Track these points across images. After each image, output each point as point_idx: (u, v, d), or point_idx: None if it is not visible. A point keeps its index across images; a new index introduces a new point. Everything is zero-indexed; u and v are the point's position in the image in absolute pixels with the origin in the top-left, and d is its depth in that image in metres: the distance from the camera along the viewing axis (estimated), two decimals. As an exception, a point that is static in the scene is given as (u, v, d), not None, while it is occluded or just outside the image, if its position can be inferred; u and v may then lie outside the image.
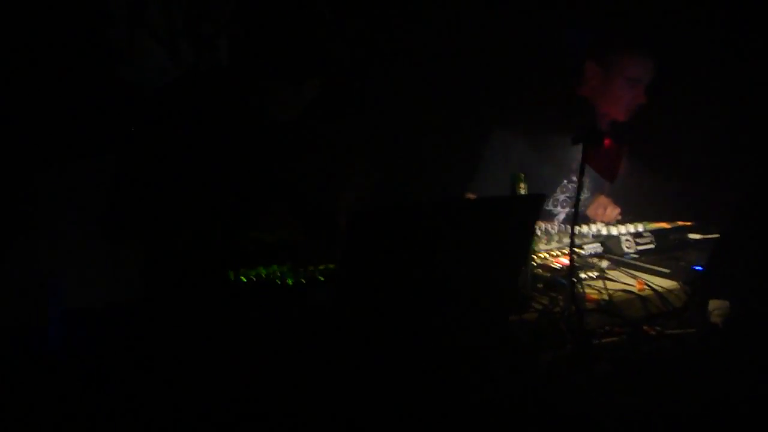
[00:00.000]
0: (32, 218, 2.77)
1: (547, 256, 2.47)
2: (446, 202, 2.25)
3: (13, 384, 1.76)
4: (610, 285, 2.33)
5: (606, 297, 2.23)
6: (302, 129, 2.63)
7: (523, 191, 2.19)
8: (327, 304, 1.87)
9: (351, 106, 2.81)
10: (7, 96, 2.84)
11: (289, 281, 2.03)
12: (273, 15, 2.50)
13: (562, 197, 3.16)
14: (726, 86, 3.34)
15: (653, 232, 2.71)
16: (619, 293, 2.26)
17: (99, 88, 3.03)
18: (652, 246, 2.66)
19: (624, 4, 3.46)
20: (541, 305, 2.13)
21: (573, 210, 3.12)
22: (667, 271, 2.42)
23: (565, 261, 2.37)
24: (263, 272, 2.08)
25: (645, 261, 2.54)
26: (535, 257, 2.42)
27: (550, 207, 3.14)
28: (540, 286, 2.25)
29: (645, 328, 2.02)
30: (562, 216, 3.16)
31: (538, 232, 2.66)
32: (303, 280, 2.05)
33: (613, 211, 3.10)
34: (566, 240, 2.53)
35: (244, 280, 2.05)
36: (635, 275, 2.43)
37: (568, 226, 2.64)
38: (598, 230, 2.72)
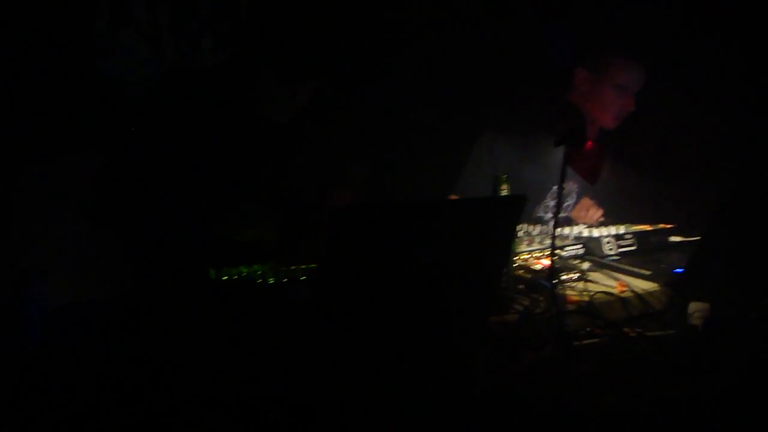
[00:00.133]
0: (12, 215, 2.75)
1: (529, 257, 2.48)
2: (427, 201, 2.25)
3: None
4: (591, 287, 2.35)
5: (587, 299, 2.24)
6: (295, 129, 2.62)
7: (505, 192, 2.19)
8: (307, 302, 1.87)
9: (344, 106, 2.81)
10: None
11: (271, 280, 2.03)
12: (268, 15, 2.50)
13: (552, 203, 3.17)
14: (708, 91, 3.36)
15: (635, 234, 2.73)
16: (600, 295, 2.27)
17: (82, 85, 3.02)
18: (633, 248, 2.68)
19: (613, 11, 3.49)
20: (522, 306, 2.13)
21: (562, 216, 3.15)
22: (647, 273, 2.44)
23: (547, 263, 2.38)
24: (244, 271, 2.08)
25: (626, 263, 2.55)
26: (517, 258, 2.42)
27: (540, 213, 3.15)
28: (521, 287, 2.25)
29: (625, 329, 2.03)
30: (552, 222, 3.17)
31: (520, 234, 2.67)
32: (284, 279, 2.05)
33: (596, 213, 3.11)
34: (548, 242, 2.53)
35: (226, 278, 2.05)
36: (616, 277, 2.44)
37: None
38: (580, 232, 2.73)
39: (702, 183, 3.18)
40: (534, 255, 2.49)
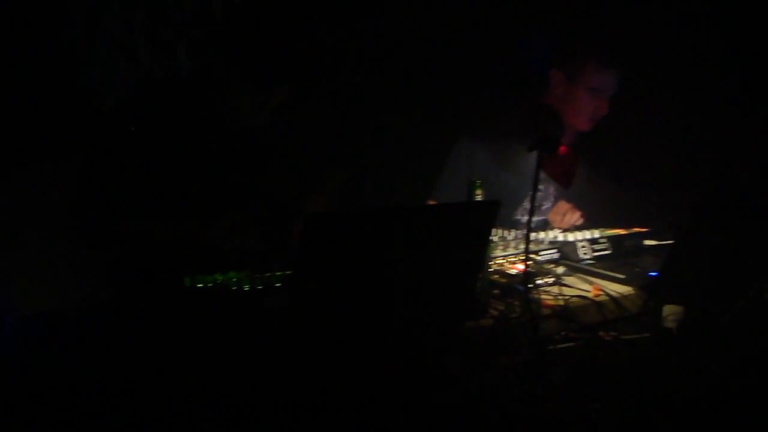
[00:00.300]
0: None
1: (504, 261, 2.48)
2: (401, 207, 2.26)
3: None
4: (566, 291, 2.35)
5: (562, 303, 2.24)
6: (270, 135, 2.62)
7: (480, 197, 2.19)
8: (282, 309, 1.86)
9: (320, 113, 2.81)
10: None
11: (246, 287, 2.02)
12: (242, 20, 2.50)
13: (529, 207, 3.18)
14: (682, 95, 3.39)
15: (609, 238, 2.74)
16: (575, 299, 2.27)
17: (56, 92, 3.00)
18: (608, 252, 2.69)
19: (588, 14, 3.51)
20: (497, 311, 2.13)
21: (540, 218, 3.16)
22: (622, 276, 2.45)
23: (522, 267, 2.38)
24: (219, 278, 2.07)
25: (601, 267, 2.56)
26: (492, 263, 2.42)
27: (518, 216, 3.15)
28: (496, 292, 2.25)
29: (600, 333, 2.04)
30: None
31: (495, 239, 2.67)
32: (259, 286, 2.04)
33: (572, 217, 3.11)
34: (523, 246, 2.54)
35: (201, 286, 2.03)
36: (591, 281, 2.45)
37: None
38: (555, 236, 2.74)
39: (675, 187, 3.21)
40: (509, 260, 2.49)
